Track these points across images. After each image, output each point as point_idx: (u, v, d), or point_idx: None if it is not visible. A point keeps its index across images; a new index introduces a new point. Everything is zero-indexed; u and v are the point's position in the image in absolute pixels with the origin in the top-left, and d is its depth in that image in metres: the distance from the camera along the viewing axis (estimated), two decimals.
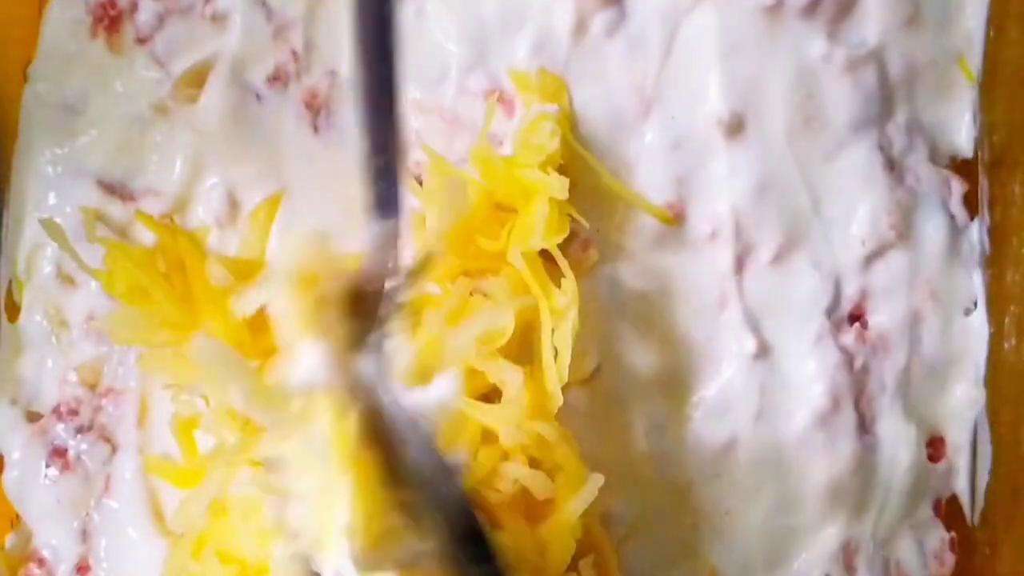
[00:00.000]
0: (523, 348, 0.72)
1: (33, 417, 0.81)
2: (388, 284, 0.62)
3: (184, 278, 0.74)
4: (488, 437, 0.70)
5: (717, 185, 0.78)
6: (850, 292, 0.79)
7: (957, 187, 0.80)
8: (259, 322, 0.71)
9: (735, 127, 0.78)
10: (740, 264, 0.77)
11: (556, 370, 0.71)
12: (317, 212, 0.77)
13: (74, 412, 0.80)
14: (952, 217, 0.80)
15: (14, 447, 0.80)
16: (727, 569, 0.76)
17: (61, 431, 0.79)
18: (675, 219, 0.77)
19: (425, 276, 0.68)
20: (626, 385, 0.77)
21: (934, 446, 0.79)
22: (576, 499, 0.69)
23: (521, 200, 0.72)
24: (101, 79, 0.79)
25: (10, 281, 0.82)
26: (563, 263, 0.72)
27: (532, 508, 0.70)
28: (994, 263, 0.79)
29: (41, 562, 0.80)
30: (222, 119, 0.78)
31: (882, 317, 0.79)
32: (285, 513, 0.61)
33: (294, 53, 0.79)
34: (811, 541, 0.77)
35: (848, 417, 0.77)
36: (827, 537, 0.76)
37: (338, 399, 0.60)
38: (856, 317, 0.79)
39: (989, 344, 0.79)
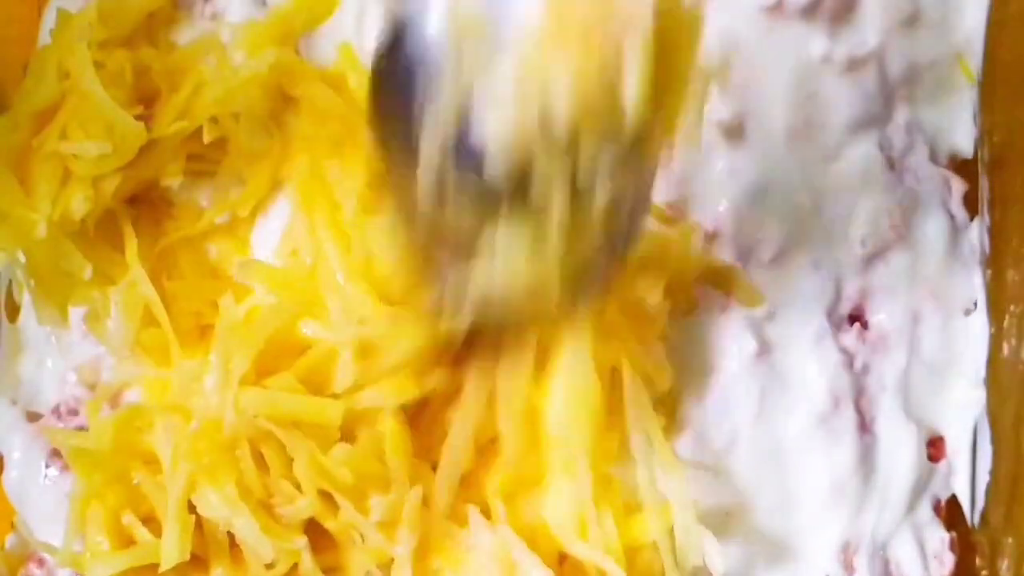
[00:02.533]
0: None
1: (33, 417, 0.81)
2: None
3: None
4: None
5: (717, 185, 0.78)
6: (850, 292, 0.79)
7: (957, 187, 0.80)
8: None
9: (735, 127, 0.78)
10: (740, 264, 0.77)
11: None
12: None
13: (74, 412, 0.80)
14: (952, 217, 0.80)
15: (14, 447, 0.80)
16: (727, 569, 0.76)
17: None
18: (675, 218, 0.77)
19: None
20: None
21: (934, 446, 0.79)
22: None
23: None
24: None
25: (10, 281, 0.82)
26: None
27: None
28: (994, 263, 0.79)
29: (41, 562, 0.80)
30: None
31: (882, 317, 0.79)
32: None
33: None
34: (811, 541, 0.77)
35: (848, 417, 0.77)
36: (827, 537, 0.76)
37: None
38: (856, 317, 0.79)
39: (989, 344, 0.79)
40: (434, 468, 0.73)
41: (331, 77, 0.78)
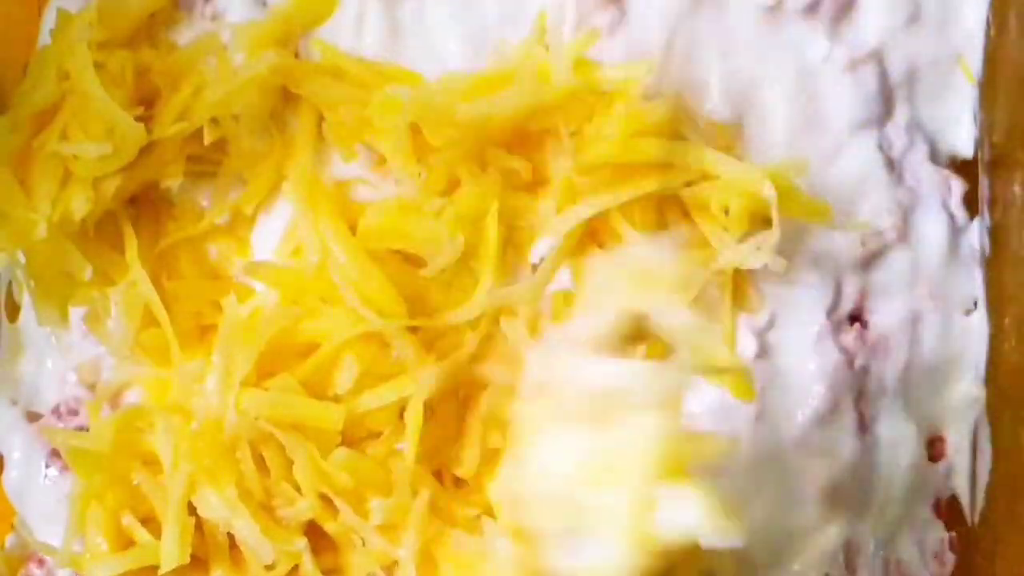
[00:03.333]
0: None
1: (33, 417, 0.81)
2: None
3: None
4: None
5: None
6: (850, 292, 0.79)
7: (957, 187, 0.80)
8: None
9: (735, 127, 0.78)
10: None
11: None
12: None
13: (74, 412, 0.80)
14: (952, 217, 0.80)
15: (14, 447, 0.80)
16: (727, 569, 0.76)
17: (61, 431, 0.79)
18: None
19: None
20: None
21: (934, 446, 0.79)
22: None
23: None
24: None
25: (10, 281, 0.82)
26: None
27: None
28: (994, 263, 0.79)
29: (41, 562, 0.80)
30: None
31: (882, 317, 0.79)
32: None
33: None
34: (811, 541, 0.76)
35: (848, 417, 0.77)
36: (827, 537, 0.76)
37: None
38: (856, 317, 0.79)
39: (989, 344, 0.79)
40: (435, 474, 0.74)
41: (328, 69, 0.78)
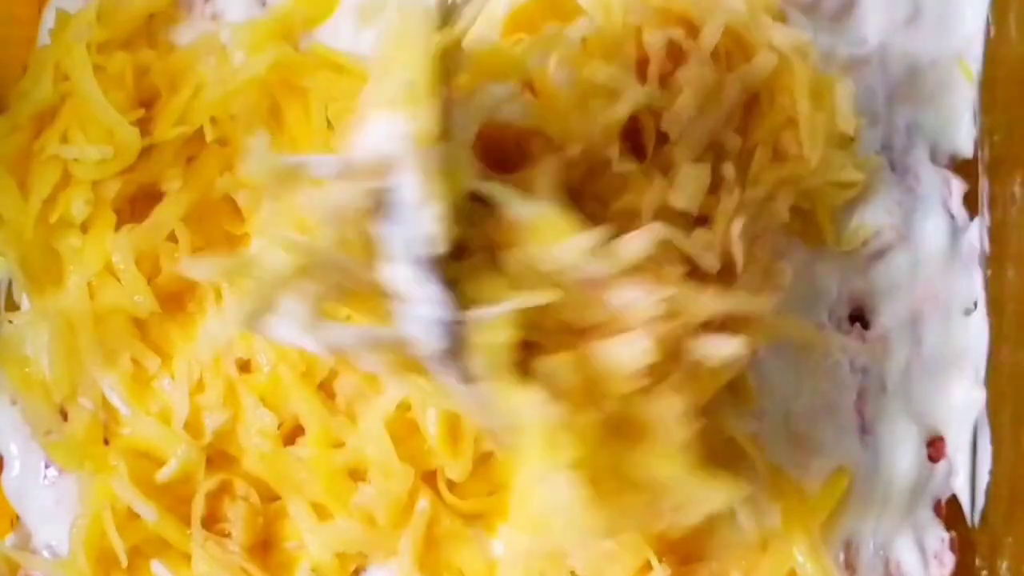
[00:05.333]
0: None
1: None
2: None
3: None
4: None
5: None
6: (850, 292, 0.79)
7: (957, 187, 0.80)
8: None
9: None
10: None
11: None
12: None
13: None
14: (952, 217, 0.80)
15: (14, 447, 0.80)
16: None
17: None
18: None
19: None
20: None
21: (934, 446, 0.79)
22: None
23: None
24: None
25: (10, 281, 0.82)
26: None
27: None
28: (994, 263, 0.79)
29: None
30: None
31: (882, 317, 0.79)
32: None
33: None
34: None
35: (848, 417, 0.77)
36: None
37: None
38: (856, 317, 0.79)
39: (989, 344, 0.79)
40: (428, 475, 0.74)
41: (330, 63, 0.78)
